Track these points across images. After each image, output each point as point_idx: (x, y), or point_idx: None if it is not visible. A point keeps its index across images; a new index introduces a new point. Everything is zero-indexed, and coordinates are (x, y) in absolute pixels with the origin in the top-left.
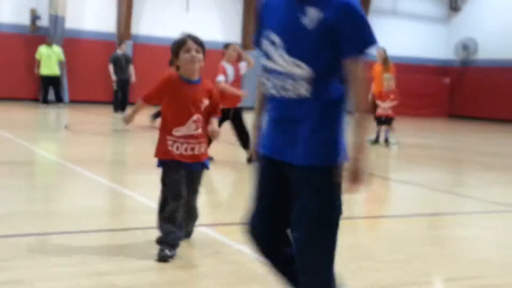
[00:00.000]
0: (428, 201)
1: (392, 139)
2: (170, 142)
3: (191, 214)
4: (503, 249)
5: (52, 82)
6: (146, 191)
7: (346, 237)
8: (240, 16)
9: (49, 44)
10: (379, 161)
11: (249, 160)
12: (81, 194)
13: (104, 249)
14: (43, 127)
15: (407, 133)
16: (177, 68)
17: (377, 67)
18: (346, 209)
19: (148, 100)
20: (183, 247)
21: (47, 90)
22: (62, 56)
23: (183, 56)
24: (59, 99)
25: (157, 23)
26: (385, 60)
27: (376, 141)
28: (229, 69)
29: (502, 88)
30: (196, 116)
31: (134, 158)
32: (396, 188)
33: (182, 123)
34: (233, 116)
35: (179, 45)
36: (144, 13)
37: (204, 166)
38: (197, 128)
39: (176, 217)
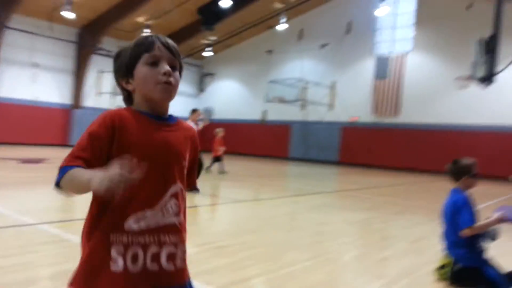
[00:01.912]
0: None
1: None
2: (118, 248)
3: None
4: (232, 224)
5: None
6: None
7: None
8: None
9: None
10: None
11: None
12: None
13: None
14: None
15: None
16: (128, 98)
17: None
18: None
19: (77, 161)
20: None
21: None
22: None
23: (147, 71)
24: None
25: None
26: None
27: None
28: (194, 127)
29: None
30: (175, 187)
31: None
32: None
33: (149, 202)
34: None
35: (138, 51)
36: None
37: None
38: (178, 212)
39: None
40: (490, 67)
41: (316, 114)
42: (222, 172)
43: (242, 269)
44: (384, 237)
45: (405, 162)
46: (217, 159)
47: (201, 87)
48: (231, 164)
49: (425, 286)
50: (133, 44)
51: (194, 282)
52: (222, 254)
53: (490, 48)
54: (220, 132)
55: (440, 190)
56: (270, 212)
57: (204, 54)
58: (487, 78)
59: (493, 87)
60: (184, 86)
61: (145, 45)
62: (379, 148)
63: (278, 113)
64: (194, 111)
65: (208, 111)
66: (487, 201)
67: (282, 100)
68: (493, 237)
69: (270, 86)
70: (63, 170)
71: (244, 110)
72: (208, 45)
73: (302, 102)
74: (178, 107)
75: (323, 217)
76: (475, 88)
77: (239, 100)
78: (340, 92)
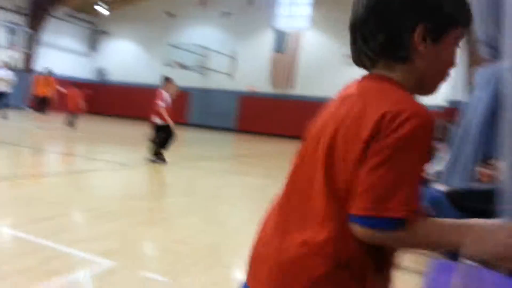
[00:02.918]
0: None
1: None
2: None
3: None
4: (125, 189)
5: None
6: None
7: None
8: None
9: None
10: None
11: (157, 154)
12: None
13: None
14: None
15: None
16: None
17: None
18: None
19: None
20: None
21: None
22: None
23: (453, 50)
24: None
25: None
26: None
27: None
28: (167, 97)
29: (129, 99)
30: None
31: None
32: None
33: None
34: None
35: (460, 17)
36: None
37: None
38: None
39: None
40: None
41: (216, 82)
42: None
43: (133, 235)
44: (270, 200)
45: (298, 131)
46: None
47: (93, 46)
48: (129, 129)
49: None
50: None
51: (82, 248)
52: (111, 220)
53: None
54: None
55: None
56: (167, 177)
57: (98, 9)
58: None
59: None
60: (73, 42)
61: (468, 15)
62: (275, 117)
63: (178, 79)
64: (167, 79)
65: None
66: None
67: (182, 66)
68: None
69: (170, 50)
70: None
71: (141, 73)
72: (103, 0)
73: (203, 69)
74: (65, 65)
75: (220, 183)
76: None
77: (136, 63)
78: (240, 62)
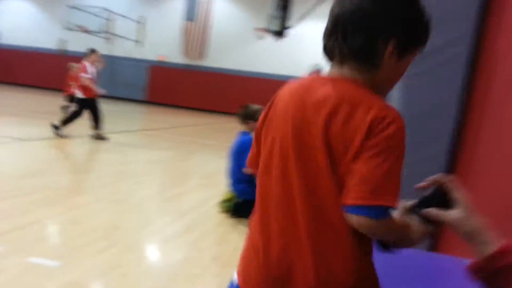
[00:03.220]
0: None
1: None
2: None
3: None
4: (14, 166)
5: None
6: None
7: None
8: None
9: None
10: None
11: (97, 137)
12: None
13: None
14: None
15: None
16: (362, 68)
17: None
18: None
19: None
20: None
21: None
22: None
23: (407, 66)
24: None
25: None
26: None
27: None
28: (91, 69)
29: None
30: None
31: None
32: None
33: None
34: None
35: (422, 35)
36: None
37: None
38: None
39: None
40: (283, 22)
41: (123, 49)
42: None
43: (22, 216)
44: (178, 175)
45: (207, 104)
46: (70, 97)
47: None
48: (24, 98)
49: (210, 218)
50: (427, 20)
51: None
52: None
53: (284, 4)
54: (73, 67)
55: (235, 130)
56: (66, 153)
57: None
58: (280, 32)
59: (286, 40)
60: None
61: (428, 32)
62: (187, 89)
63: (80, 44)
64: (93, 51)
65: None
66: None
67: (84, 30)
68: None
69: (71, 12)
70: (386, 210)
71: (39, 37)
72: None
73: (108, 34)
74: None
75: (122, 157)
76: (270, 40)
77: (32, 25)
78: (149, 29)
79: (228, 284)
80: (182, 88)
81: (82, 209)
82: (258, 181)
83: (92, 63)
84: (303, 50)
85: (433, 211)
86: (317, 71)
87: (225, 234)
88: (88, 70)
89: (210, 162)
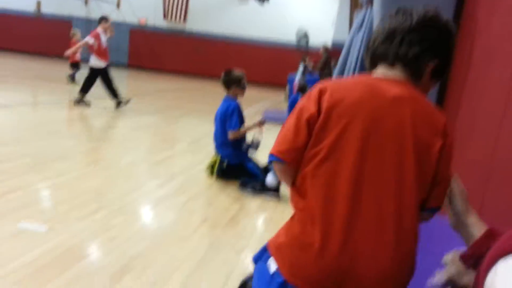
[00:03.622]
0: None
1: None
2: None
3: None
4: None
5: None
6: None
7: None
8: None
9: None
10: None
11: (118, 105)
12: None
13: None
14: None
15: None
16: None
17: None
18: None
19: None
20: None
21: None
22: None
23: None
24: None
25: None
26: None
27: None
28: (103, 37)
29: None
30: None
31: None
32: None
33: None
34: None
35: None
36: None
37: None
38: None
39: None
40: None
41: (102, 11)
42: (72, 81)
43: (4, 181)
44: (166, 139)
45: (191, 68)
46: (75, 65)
47: None
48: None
49: (197, 181)
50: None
51: None
52: None
53: None
54: (76, 33)
55: (220, 95)
56: (45, 118)
57: None
58: None
59: (269, 5)
60: None
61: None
62: (168, 53)
63: (57, 6)
64: (104, 19)
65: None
66: (260, 102)
67: None
68: (256, 146)
69: None
70: None
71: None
72: None
73: None
74: None
75: (107, 123)
76: (254, 4)
77: None
78: None
79: (255, 273)
80: (164, 52)
81: (69, 175)
82: (314, 172)
83: (105, 30)
84: (286, 15)
85: None
86: (325, 49)
87: (214, 197)
88: (102, 39)
89: (197, 127)
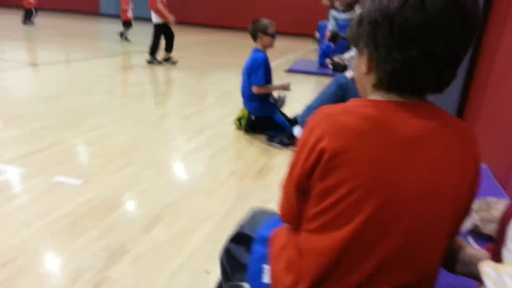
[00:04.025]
0: None
1: None
2: None
3: None
4: (28, 91)
5: None
6: None
7: None
8: None
9: None
10: None
11: (166, 60)
12: None
13: None
14: None
15: None
16: None
17: None
18: None
19: None
20: None
21: None
22: None
23: None
24: None
25: None
26: None
27: None
28: None
29: None
30: None
31: None
32: None
33: None
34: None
35: None
36: None
37: None
38: None
39: None
40: None
41: None
42: (126, 39)
43: (38, 139)
44: (194, 94)
45: (217, 20)
46: (127, 23)
47: None
48: (15, 19)
49: (225, 135)
50: None
51: None
52: (20, 126)
53: None
54: None
55: (249, 46)
56: (77, 75)
57: None
58: None
59: None
60: None
61: None
62: (193, 5)
63: None
64: None
65: None
66: (291, 54)
67: None
68: (282, 103)
69: None
70: None
71: None
72: None
73: None
74: None
75: (136, 78)
76: None
77: None
78: None
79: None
80: (190, 4)
81: (100, 130)
82: (314, 237)
83: None
84: None
85: None
86: (335, 33)
87: (241, 150)
88: None
89: (225, 81)
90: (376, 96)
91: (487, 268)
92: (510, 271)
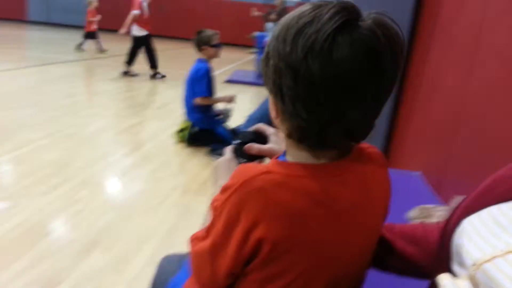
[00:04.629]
0: None
1: None
2: None
3: None
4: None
5: None
6: None
7: None
8: None
9: None
10: None
11: (154, 76)
12: None
13: None
14: None
15: None
16: None
17: None
18: None
19: None
20: None
21: None
22: None
23: None
24: None
25: None
26: None
27: None
28: (145, 5)
29: None
30: None
31: None
32: None
33: None
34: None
35: None
36: None
37: None
38: None
39: None
40: None
41: None
42: (102, 50)
43: None
44: (131, 105)
45: (158, 29)
46: (90, 35)
47: None
48: None
49: (165, 149)
50: None
51: None
52: None
53: None
54: (93, 1)
55: (190, 57)
56: (1, 87)
57: None
58: None
59: None
60: None
61: None
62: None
63: None
64: None
65: None
66: (229, 64)
67: None
68: (226, 117)
69: None
70: None
71: None
72: None
73: None
74: None
75: (68, 89)
76: None
77: None
78: None
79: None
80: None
81: (28, 146)
82: None
83: None
84: None
85: (254, 145)
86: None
87: (183, 163)
88: (144, 7)
89: (165, 91)
90: (297, 152)
91: (446, 282)
92: (466, 285)
